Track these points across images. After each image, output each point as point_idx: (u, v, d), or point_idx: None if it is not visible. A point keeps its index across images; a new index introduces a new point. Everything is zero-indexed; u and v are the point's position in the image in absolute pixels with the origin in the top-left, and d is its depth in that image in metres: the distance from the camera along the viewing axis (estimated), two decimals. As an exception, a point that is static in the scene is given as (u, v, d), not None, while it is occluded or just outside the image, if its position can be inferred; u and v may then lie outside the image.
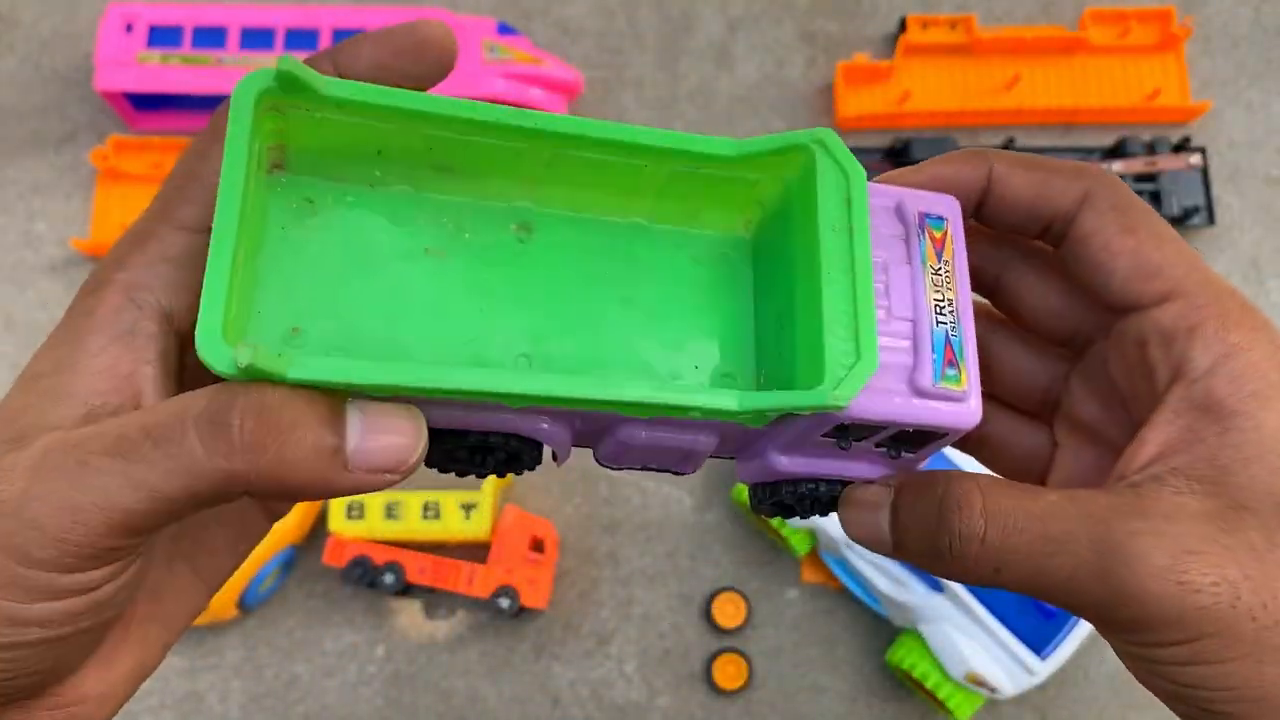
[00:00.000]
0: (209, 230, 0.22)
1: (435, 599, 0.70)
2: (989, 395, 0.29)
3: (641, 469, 0.28)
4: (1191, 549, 0.22)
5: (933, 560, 0.24)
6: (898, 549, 0.25)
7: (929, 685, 0.64)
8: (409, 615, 0.71)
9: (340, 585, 0.71)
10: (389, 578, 0.68)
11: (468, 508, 0.68)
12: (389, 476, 0.23)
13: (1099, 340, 0.28)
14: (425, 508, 0.68)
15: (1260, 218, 0.77)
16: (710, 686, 0.70)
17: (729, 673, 0.69)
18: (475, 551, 0.70)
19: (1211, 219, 0.75)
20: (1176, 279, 0.25)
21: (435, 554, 0.69)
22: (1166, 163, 0.73)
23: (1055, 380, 0.29)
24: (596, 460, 0.27)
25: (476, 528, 0.68)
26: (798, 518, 0.29)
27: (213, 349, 0.21)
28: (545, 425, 0.25)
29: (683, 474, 0.27)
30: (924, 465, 0.27)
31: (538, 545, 0.69)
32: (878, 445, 0.26)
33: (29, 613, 0.22)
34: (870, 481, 0.27)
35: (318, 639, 0.70)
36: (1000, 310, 0.30)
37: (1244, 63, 0.80)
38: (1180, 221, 0.74)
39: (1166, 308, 0.24)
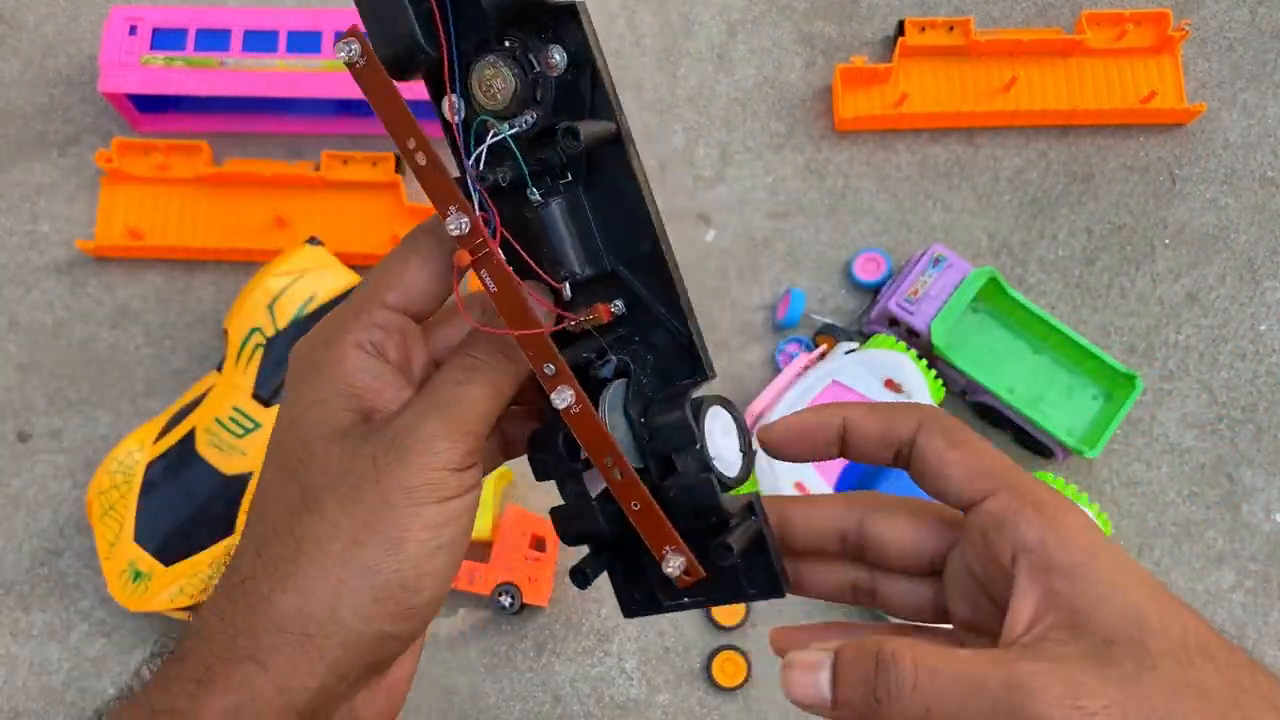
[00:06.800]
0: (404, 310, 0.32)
1: (437, 597, 0.70)
2: (878, 566, 0.35)
3: None
4: (1081, 680, 0.27)
5: (868, 710, 0.28)
6: (836, 705, 0.29)
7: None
8: (411, 613, 0.71)
9: (342, 583, 0.71)
10: (391, 576, 0.68)
11: (469, 506, 0.69)
12: None
13: (951, 552, 0.34)
14: (427, 506, 0.69)
15: (1256, 218, 0.77)
16: (710, 683, 0.70)
17: (728, 670, 0.70)
18: (477, 550, 0.71)
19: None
20: (998, 476, 0.31)
21: (437, 552, 0.69)
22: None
23: (934, 552, 0.34)
24: None
25: (478, 526, 0.69)
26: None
27: None
28: None
29: None
30: None
31: (539, 544, 0.69)
32: None
33: (441, 512, 0.31)
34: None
35: (320, 637, 0.71)
36: (868, 554, 0.35)
37: (1240, 65, 0.80)
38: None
39: (994, 499, 0.31)
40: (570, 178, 0.32)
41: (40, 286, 0.76)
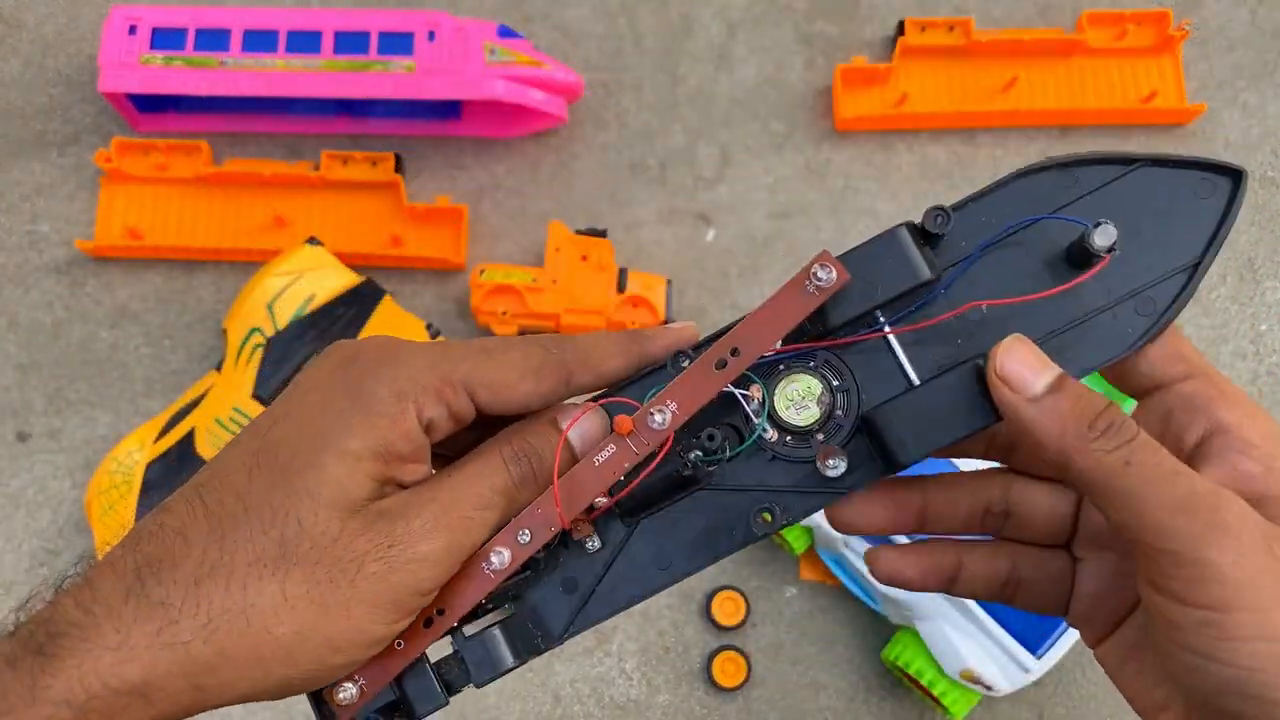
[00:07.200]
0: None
1: (436, 597, 0.70)
2: (1014, 540, 0.34)
3: None
4: (1275, 533, 0.27)
5: (1072, 431, 0.28)
6: (1037, 406, 0.28)
7: (924, 682, 0.64)
8: (410, 613, 0.71)
9: (342, 584, 0.71)
10: (390, 576, 0.68)
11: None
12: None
13: None
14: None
15: (1256, 218, 0.77)
16: (710, 684, 0.70)
17: (728, 670, 0.70)
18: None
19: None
20: (1195, 363, 0.31)
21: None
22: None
23: (1072, 506, 0.34)
24: None
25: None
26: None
27: None
28: None
29: None
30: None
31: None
32: None
33: (386, 632, 0.30)
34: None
35: (320, 637, 0.71)
36: (1022, 454, 0.34)
37: (1240, 65, 0.80)
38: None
39: (1190, 383, 0.31)
40: (711, 473, 0.33)
41: (39, 286, 0.76)
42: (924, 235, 0.31)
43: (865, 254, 0.31)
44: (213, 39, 0.74)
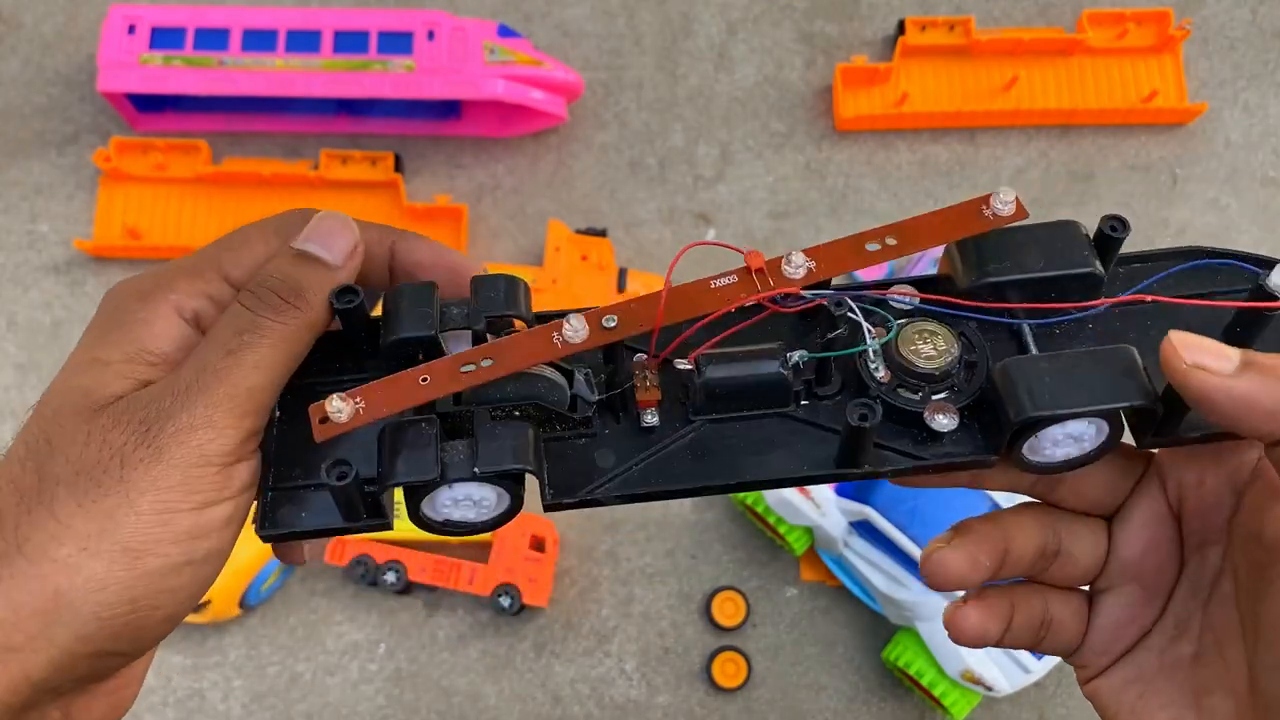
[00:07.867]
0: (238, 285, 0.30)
1: (436, 597, 0.70)
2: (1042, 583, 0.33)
3: None
4: None
5: (1272, 412, 0.27)
6: (1238, 378, 0.27)
7: (925, 683, 0.64)
8: (410, 614, 0.71)
9: (342, 584, 0.71)
10: (390, 576, 0.68)
11: (468, 507, 0.69)
12: (353, 260, 0.30)
13: (1137, 497, 0.33)
14: (426, 507, 0.68)
15: (1258, 218, 0.77)
16: (710, 685, 0.70)
17: (728, 671, 0.70)
18: (476, 550, 0.70)
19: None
20: None
21: (436, 553, 0.69)
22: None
23: (1107, 541, 0.33)
24: None
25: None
26: None
27: None
28: None
29: None
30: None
31: (538, 544, 0.69)
32: None
33: (198, 522, 0.27)
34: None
35: (320, 637, 0.71)
36: (1069, 488, 0.33)
37: (1241, 64, 0.80)
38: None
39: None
40: (799, 393, 0.30)
41: (39, 286, 0.76)
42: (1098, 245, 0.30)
43: (1042, 232, 0.30)
44: (212, 38, 0.74)
